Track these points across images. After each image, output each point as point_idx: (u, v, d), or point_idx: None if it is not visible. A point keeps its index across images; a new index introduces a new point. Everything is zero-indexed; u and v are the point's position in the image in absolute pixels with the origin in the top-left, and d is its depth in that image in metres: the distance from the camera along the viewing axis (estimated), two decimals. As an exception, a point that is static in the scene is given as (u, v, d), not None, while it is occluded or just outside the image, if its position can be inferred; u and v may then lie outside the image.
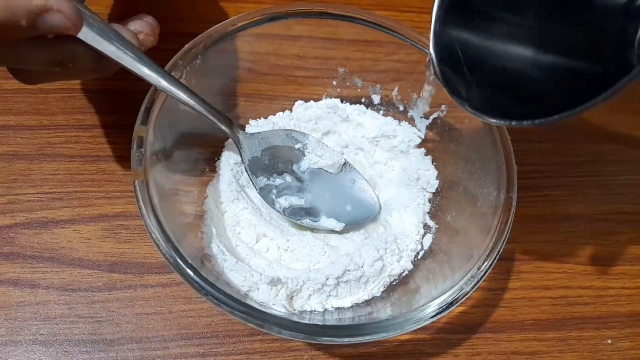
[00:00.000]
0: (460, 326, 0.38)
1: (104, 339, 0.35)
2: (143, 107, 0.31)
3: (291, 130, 0.37)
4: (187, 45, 0.34)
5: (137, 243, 0.37)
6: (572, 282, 0.40)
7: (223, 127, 0.33)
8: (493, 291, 0.39)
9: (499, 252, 0.31)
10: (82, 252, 0.37)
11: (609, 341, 0.39)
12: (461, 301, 0.30)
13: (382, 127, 0.39)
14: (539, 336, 0.38)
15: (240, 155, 0.35)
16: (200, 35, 0.34)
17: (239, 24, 0.35)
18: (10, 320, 0.34)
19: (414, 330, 0.30)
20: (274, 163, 0.37)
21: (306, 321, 0.28)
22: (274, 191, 0.36)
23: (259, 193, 0.36)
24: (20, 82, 0.31)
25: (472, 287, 0.30)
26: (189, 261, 0.28)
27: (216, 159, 0.38)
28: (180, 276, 0.28)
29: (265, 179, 0.36)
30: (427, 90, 0.35)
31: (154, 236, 0.28)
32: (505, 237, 0.32)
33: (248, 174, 0.36)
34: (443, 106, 0.38)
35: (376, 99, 0.41)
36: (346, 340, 0.28)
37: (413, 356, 0.37)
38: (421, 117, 0.39)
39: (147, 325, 0.35)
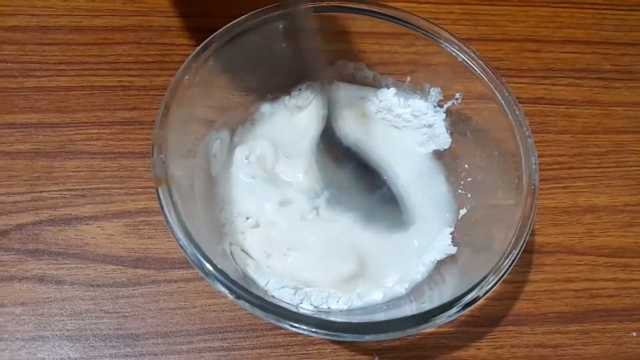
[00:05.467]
0: (482, 319, 0.38)
1: (130, 333, 0.35)
2: (160, 112, 0.31)
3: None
4: (198, 48, 0.33)
5: (160, 239, 0.38)
6: (595, 274, 0.40)
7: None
8: (515, 284, 0.39)
9: (523, 243, 0.31)
10: (106, 248, 0.37)
11: (634, 334, 0.38)
12: (485, 297, 0.29)
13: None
14: (561, 329, 0.38)
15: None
16: (212, 36, 0.34)
17: (251, 22, 0.34)
18: (38, 316, 0.35)
19: None
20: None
21: (332, 318, 0.28)
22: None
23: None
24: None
25: (496, 282, 0.29)
26: (217, 265, 0.28)
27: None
28: (209, 280, 0.28)
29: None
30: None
31: (181, 242, 0.28)
32: (530, 228, 0.31)
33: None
34: (457, 94, 0.37)
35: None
36: (371, 338, 0.28)
37: (435, 349, 0.37)
38: (435, 107, 0.39)
39: (171, 320, 0.36)
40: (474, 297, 0.29)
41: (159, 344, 0.35)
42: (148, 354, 0.35)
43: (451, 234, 0.36)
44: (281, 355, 0.36)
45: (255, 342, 0.36)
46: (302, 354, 0.36)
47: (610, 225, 0.42)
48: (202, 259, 0.28)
